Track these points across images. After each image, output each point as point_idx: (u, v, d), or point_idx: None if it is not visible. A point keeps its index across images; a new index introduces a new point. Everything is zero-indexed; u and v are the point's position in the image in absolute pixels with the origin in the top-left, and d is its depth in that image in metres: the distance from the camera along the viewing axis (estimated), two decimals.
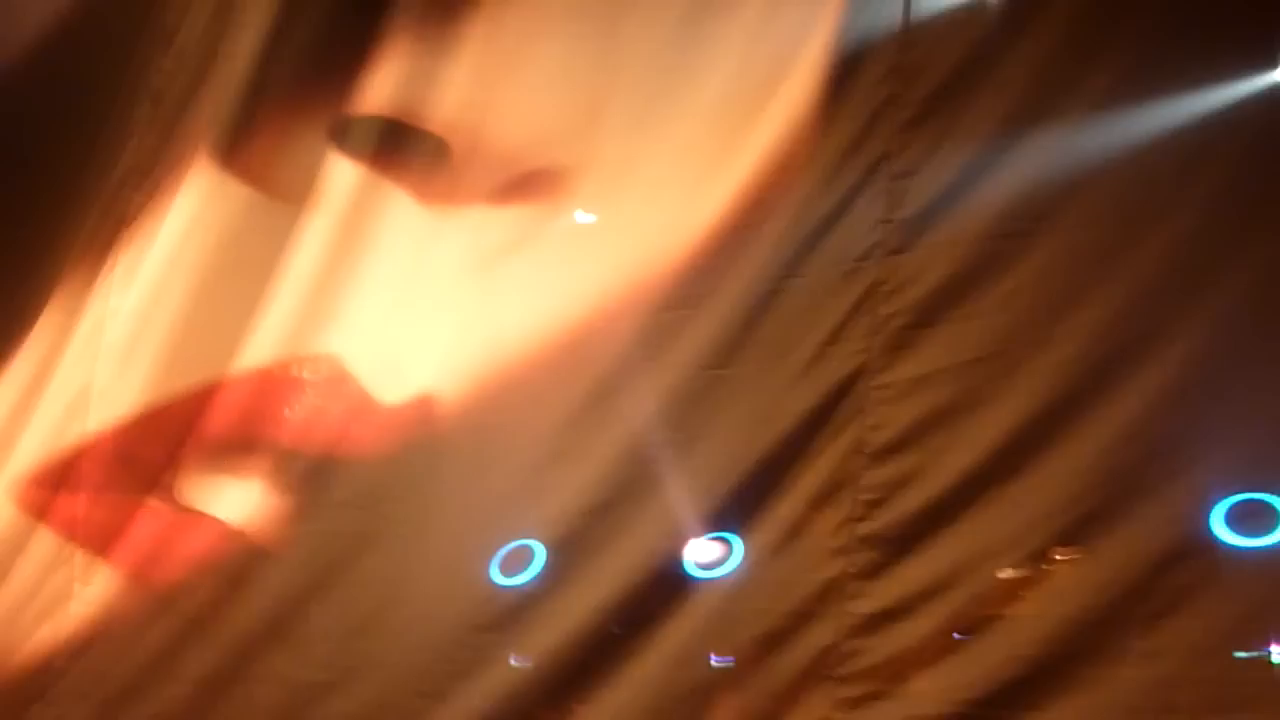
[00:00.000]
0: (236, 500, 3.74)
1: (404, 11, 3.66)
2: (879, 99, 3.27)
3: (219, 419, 3.74)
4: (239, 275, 3.85)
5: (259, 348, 3.75)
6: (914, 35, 3.23)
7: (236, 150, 3.85)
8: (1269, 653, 2.90)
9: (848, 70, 3.31)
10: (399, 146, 3.72)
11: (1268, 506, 2.92)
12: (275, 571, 3.64)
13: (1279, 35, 3.06)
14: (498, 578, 3.60)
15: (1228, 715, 2.85)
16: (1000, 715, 2.94)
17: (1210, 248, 2.96)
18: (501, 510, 3.58)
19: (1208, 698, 2.84)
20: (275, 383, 3.71)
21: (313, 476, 3.69)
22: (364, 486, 3.65)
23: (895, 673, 3.06)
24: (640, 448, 3.43)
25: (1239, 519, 2.95)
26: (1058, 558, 2.99)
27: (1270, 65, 3.04)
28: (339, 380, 3.69)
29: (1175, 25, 3.06)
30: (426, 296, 3.71)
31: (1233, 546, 2.92)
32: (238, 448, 3.73)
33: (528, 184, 3.65)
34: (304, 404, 3.72)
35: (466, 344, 3.63)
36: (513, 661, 3.52)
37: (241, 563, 3.67)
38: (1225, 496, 2.91)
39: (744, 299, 3.36)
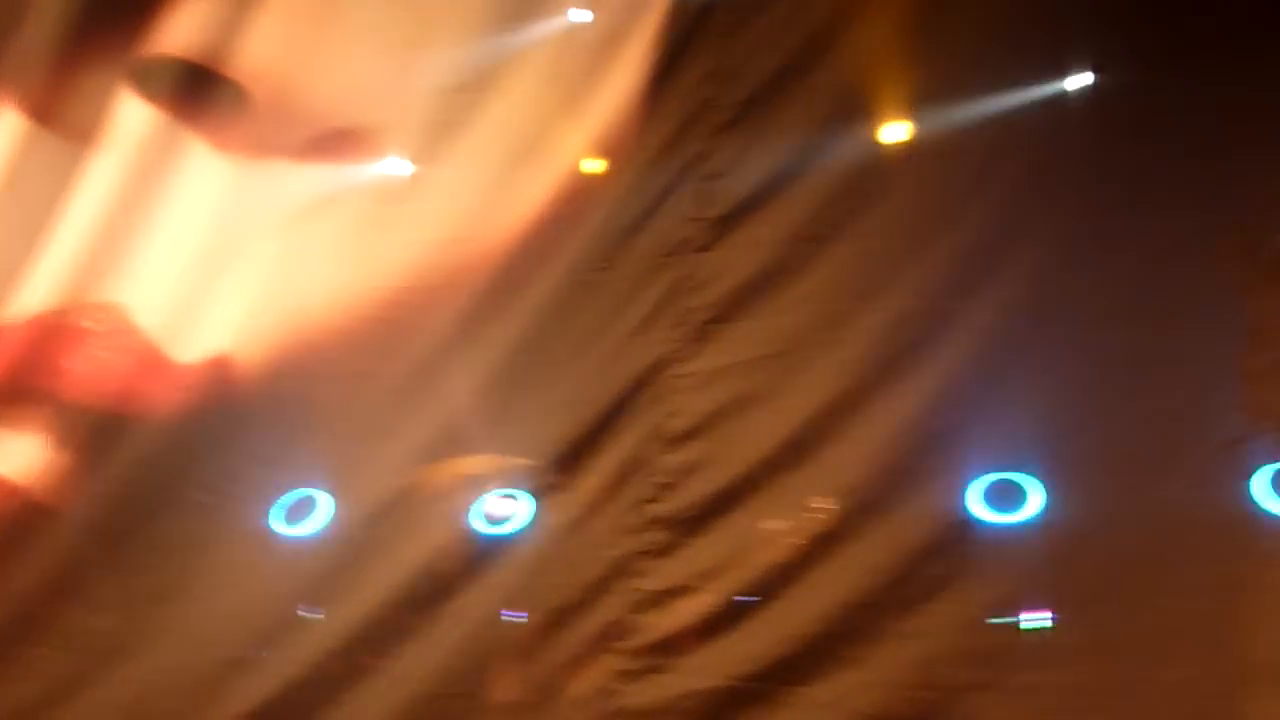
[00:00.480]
0: (13, 454, 3.50)
1: None
2: (697, 101, 3.34)
3: None
4: (14, 212, 3.56)
5: (34, 292, 3.47)
6: (732, 42, 3.29)
7: (21, 83, 3.53)
8: (1018, 619, 3.18)
9: (669, 65, 3.35)
10: (197, 92, 3.50)
11: (1018, 485, 3.22)
12: (62, 530, 3.43)
13: (1066, 48, 3.31)
14: (282, 528, 3.55)
15: (982, 680, 3.11)
16: (771, 689, 3.12)
17: (988, 254, 3.19)
18: (299, 474, 3.51)
19: (965, 668, 3.10)
20: (53, 331, 3.45)
21: (99, 433, 3.47)
22: (156, 447, 3.46)
23: (675, 648, 3.20)
24: (450, 422, 3.44)
25: (994, 497, 3.24)
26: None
27: (1059, 75, 3.28)
28: (125, 332, 3.47)
29: (972, 40, 3.24)
30: (225, 251, 3.52)
31: (987, 523, 3.18)
32: (9, 398, 3.45)
33: (337, 141, 3.53)
34: (86, 355, 3.46)
35: (267, 306, 3.50)
36: (308, 616, 3.50)
37: (25, 519, 3.43)
38: (981, 476, 3.17)
39: (559, 286, 3.38)
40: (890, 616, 3.12)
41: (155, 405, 3.47)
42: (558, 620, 3.28)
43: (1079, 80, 3.25)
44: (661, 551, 3.23)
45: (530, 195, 3.38)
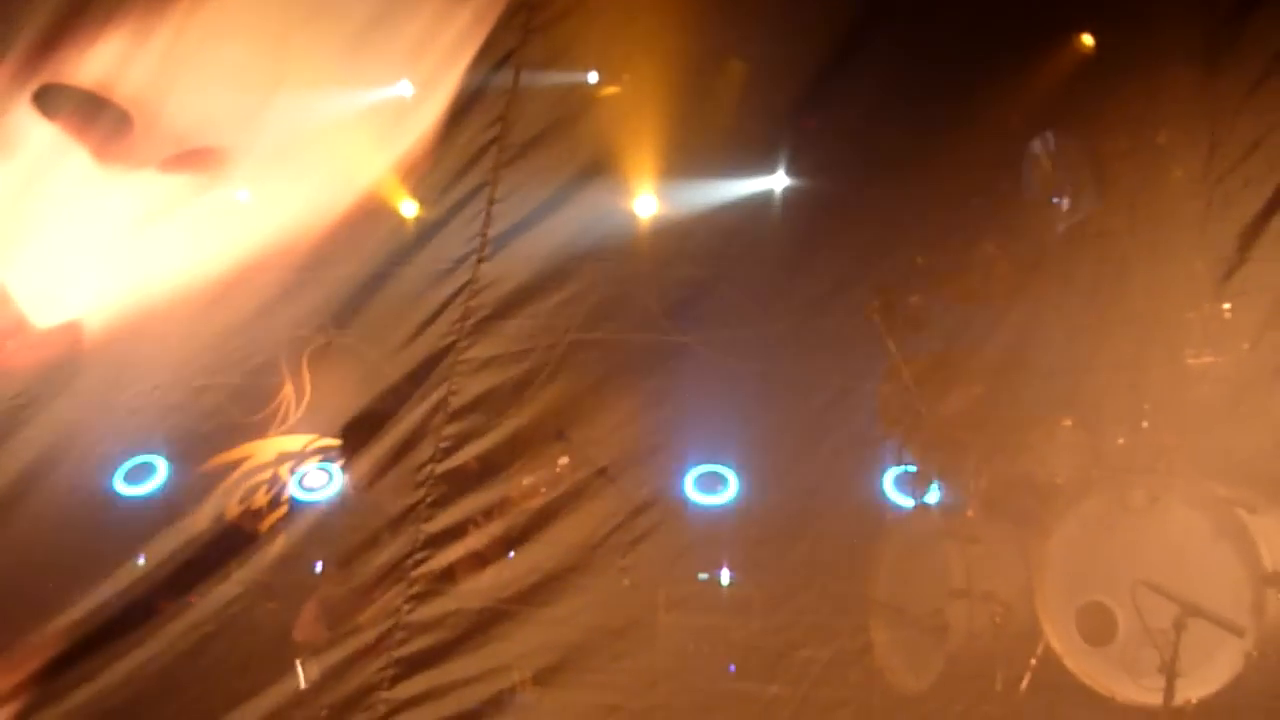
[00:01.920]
0: None
1: (131, 3, 3.94)
2: (486, 139, 3.94)
3: None
4: None
5: None
6: (518, 96, 3.93)
7: None
8: (720, 575, 4.02)
9: (465, 111, 3.94)
10: (89, 114, 3.98)
11: (721, 475, 4.01)
12: None
13: (779, 146, 4.15)
14: (122, 488, 4.03)
15: (684, 614, 3.90)
16: (522, 609, 3.76)
17: (701, 297, 3.99)
18: (131, 426, 3.96)
19: (672, 603, 3.89)
20: None
21: None
22: (7, 393, 3.85)
23: (452, 576, 3.79)
24: (259, 386, 4.00)
25: (701, 483, 4.02)
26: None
27: (772, 169, 4.14)
28: None
29: (700, 129, 4.05)
30: (90, 241, 3.97)
31: (697, 503, 4.02)
32: None
33: (193, 158, 4.03)
34: None
35: (118, 285, 3.94)
36: (140, 561, 3.88)
37: None
38: (694, 467, 3.99)
39: (362, 274, 3.94)
40: (618, 564, 3.83)
41: (12, 361, 3.91)
42: (357, 557, 3.80)
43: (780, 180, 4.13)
44: (442, 501, 3.79)
45: (346, 199, 3.95)
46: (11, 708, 3.67)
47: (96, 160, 3.98)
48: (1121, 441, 4.01)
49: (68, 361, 3.93)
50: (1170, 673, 3.57)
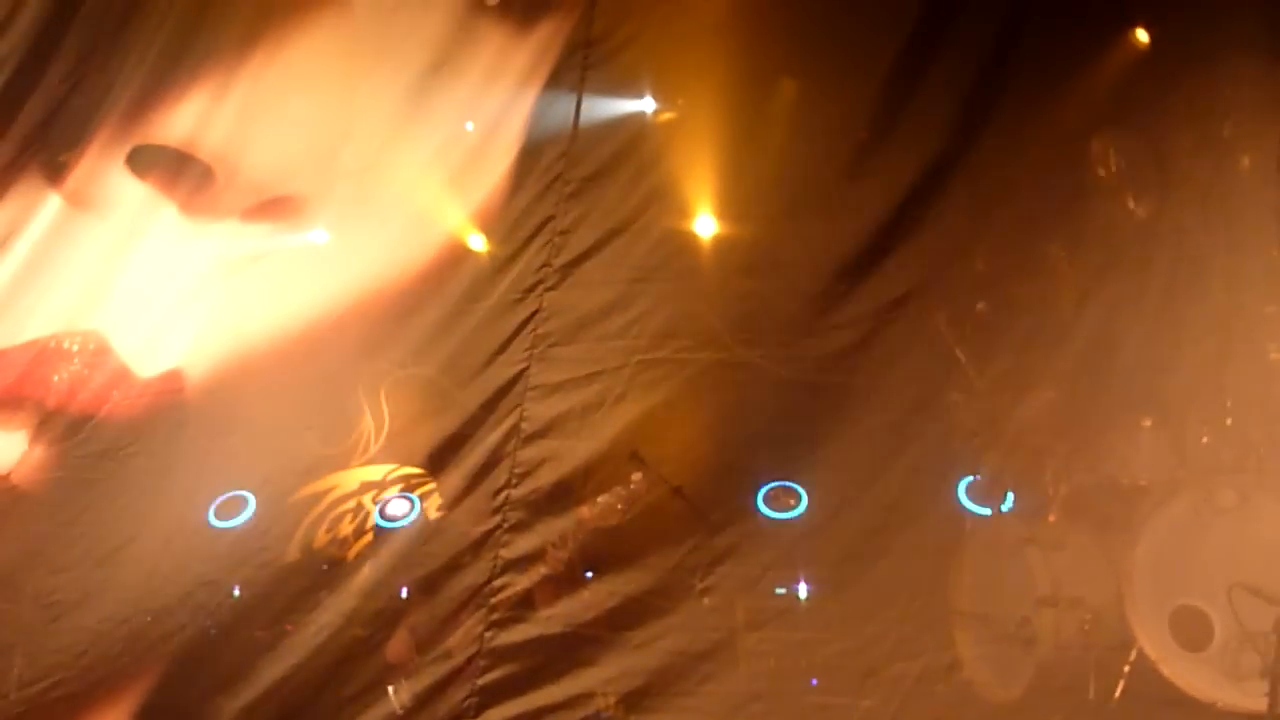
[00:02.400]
0: (3, 449, 4.04)
1: (212, 65, 4.20)
2: (551, 176, 4.03)
3: None
4: (39, 270, 4.18)
5: (39, 325, 4.11)
6: (580, 131, 4.01)
7: (63, 172, 4.23)
8: (797, 589, 3.92)
9: (531, 151, 4.06)
10: (176, 170, 4.19)
11: (793, 490, 3.94)
12: (32, 508, 3.95)
13: (830, 162, 4.08)
14: (215, 522, 4.07)
15: (765, 631, 3.83)
16: (602, 634, 3.76)
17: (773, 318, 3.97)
18: (228, 467, 4.05)
19: (752, 621, 3.82)
20: (47, 353, 4.08)
21: (71, 432, 4.02)
22: (115, 442, 4.01)
23: (531, 602, 3.79)
24: (340, 419, 4.08)
25: (773, 499, 3.96)
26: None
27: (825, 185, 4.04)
28: (101, 353, 4.07)
29: (755, 147, 4.05)
30: (183, 291, 4.14)
31: (770, 517, 3.94)
32: (7, 405, 4.04)
33: (272, 207, 4.17)
34: (69, 371, 4.07)
35: (213, 333, 4.10)
36: (236, 592, 3.98)
37: (3, 502, 3.97)
38: (766, 484, 3.93)
39: (438, 311, 4.02)
40: (693, 576, 3.80)
41: (119, 410, 4.06)
42: (438, 584, 3.84)
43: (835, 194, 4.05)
44: (519, 527, 3.82)
45: (420, 251, 4.06)
46: None
47: (184, 214, 4.16)
48: (1206, 440, 3.87)
49: (174, 409, 4.08)
50: (1274, 677, 3.41)
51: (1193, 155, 3.96)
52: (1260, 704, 3.40)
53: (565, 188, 4.01)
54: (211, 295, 4.17)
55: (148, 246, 4.18)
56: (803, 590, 3.93)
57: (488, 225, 4.11)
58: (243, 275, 4.18)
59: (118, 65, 4.26)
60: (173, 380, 4.10)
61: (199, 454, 4.05)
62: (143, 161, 4.22)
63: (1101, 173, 4.14)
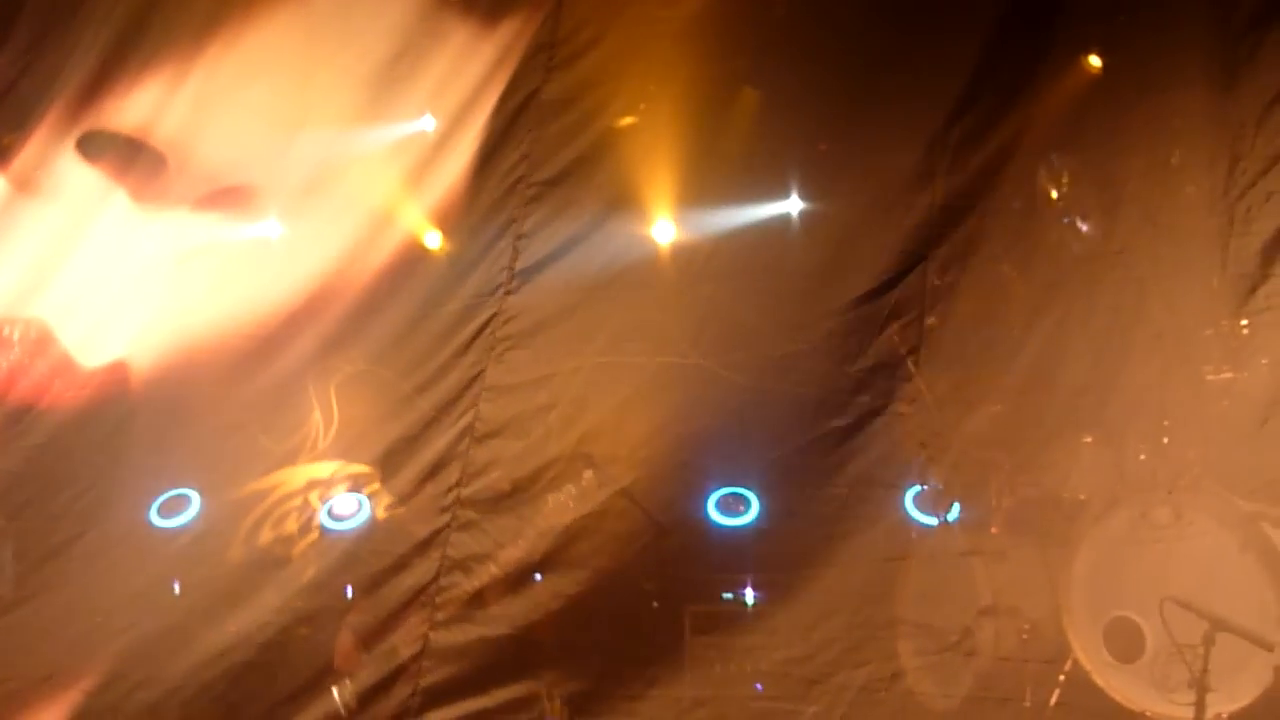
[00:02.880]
0: None
1: (168, 53, 4.12)
2: (513, 179, 4.04)
3: None
4: None
5: None
6: (543, 133, 4.03)
7: (7, 155, 4.14)
8: (744, 594, 4.02)
9: (492, 150, 4.05)
10: (128, 157, 4.12)
11: (743, 497, 4.02)
12: None
13: (793, 170, 4.19)
14: (157, 520, 4.04)
15: (711, 636, 3.91)
16: (548, 636, 3.81)
17: (725, 327, 4.01)
18: (172, 462, 4.04)
19: (699, 625, 3.91)
20: None
21: (11, 422, 3.96)
22: (57, 434, 3.96)
23: (478, 602, 3.83)
24: (289, 414, 4.06)
25: (723, 505, 4.03)
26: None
27: (785, 195, 4.16)
28: (44, 341, 4.01)
29: (716, 156, 4.10)
30: (130, 280, 4.08)
31: (720, 525, 4.01)
32: None
33: (225, 196, 4.13)
34: (9, 360, 4.00)
35: (159, 323, 4.04)
36: (177, 590, 3.96)
37: None
38: (716, 489, 4.00)
39: (392, 310, 4.03)
40: (644, 579, 3.91)
41: (61, 400, 4.00)
42: (384, 582, 3.85)
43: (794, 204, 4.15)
44: (468, 526, 3.86)
45: (375, 247, 4.04)
46: None
47: (134, 201, 4.10)
48: (1144, 458, 3.99)
49: (117, 401, 4.03)
50: (1200, 687, 3.53)
51: (1141, 180, 4.06)
52: (1188, 713, 3.53)
53: (527, 191, 4.03)
54: (159, 285, 4.12)
55: (95, 234, 4.11)
56: (749, 596, 4.02)
57: (446, 225, 4.11)
58: (192, 266, 4.13)
59: (69, 49, 4.17)
60: (117, 371, 4.05)
61: (143, 449, 4.01)
62: (94, 147, 4.15)
63: (1053, 194, 4.25)
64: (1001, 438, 4.08)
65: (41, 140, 4.14)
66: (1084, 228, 4.22)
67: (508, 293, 3.98)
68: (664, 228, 4.09)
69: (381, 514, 3.97)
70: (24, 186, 4.13)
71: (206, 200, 4.13)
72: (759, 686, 3.87)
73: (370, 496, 3.99)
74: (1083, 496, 4.05)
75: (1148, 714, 3.69)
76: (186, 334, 4.07)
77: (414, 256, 4.11)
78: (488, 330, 3.96)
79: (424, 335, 4.02)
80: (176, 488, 4.04)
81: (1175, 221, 3.97)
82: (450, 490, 3.88)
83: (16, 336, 4.05)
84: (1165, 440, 3.96)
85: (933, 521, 4.12)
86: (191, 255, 4.13)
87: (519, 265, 3.99)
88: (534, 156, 4.03)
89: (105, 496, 3.98)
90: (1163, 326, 3.96)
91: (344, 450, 4.06)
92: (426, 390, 3.96)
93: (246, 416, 4.01)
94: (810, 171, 4.17)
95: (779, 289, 4.05)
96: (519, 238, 4.00)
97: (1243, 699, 3.59)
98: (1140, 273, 4.02)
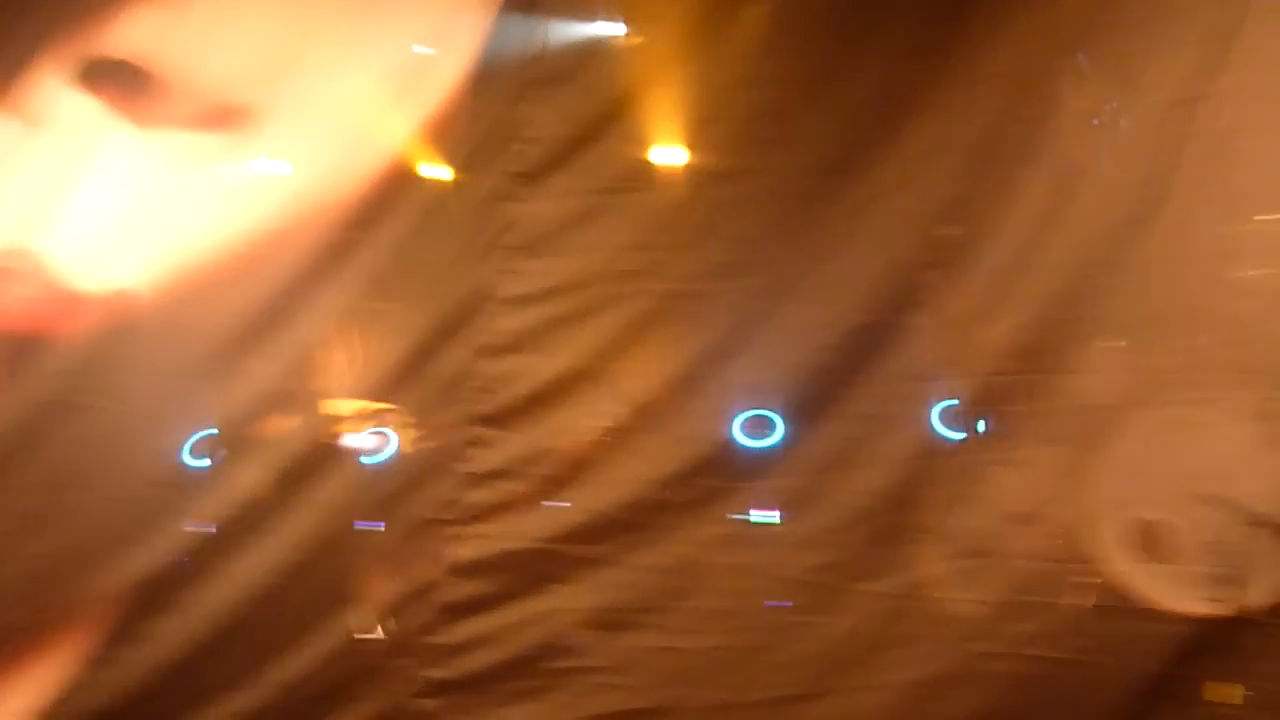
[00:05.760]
0: None
1: None
2: (518, 81, 4.15)
3: None
4: None
5: None
6: (544, 50, 4.13)
7: (9, 87, 4.24)
8: (771, 517, 4.07)
9: (491, 65, 4.14)
10: (126, 83, 4.22)
11: (768, 419, 4.10)
12: None
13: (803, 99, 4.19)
14: (189, 459, 4.16)
15: (737, 554, 4.00)
16: (569, 549, 3.93)
17: (743, 249, 4.09)
18: (189, 392, 4.15)
19: (725, 544, 4.00)
20: None
21: (13, 356, 4.07)
22: (63, 364, 4.07)
23: (495, 518, 3.95)
24: (310, 345, 4.16)
25: (749, 427, 4.12)
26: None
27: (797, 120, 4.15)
28: (44, 272, 4.11)
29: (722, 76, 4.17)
30: (129, 205, 4.19)
31: (746, 447, 4.08)
32: None
33: (224, 116, 4.23)
34: (8, 291, 4.11)
35: (161, 247, 4.14)
36: (188, 527, 4.07)
37: None
38: (741, 411, 4.06)
39: (401, 233, 4.13)
40: (668, 500, 3.97)
41: (64, 331, 4.11)
42: (399, 501, 3.99)
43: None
44: (483, 443, 3.98)
45: (382, 152, 4.14)
46: (76, 666, 3.90)
47: (138, 127, 4.23)
48: (1172, 360, 4.09)
49: (124, 330, 4.14)
50: (1236, 583, 3.67)
51: (1171, 84, 4.15)
52: (1223, 610, 3.63)
53: (531, 93, 4.12)
54: (159, 212, 4.23)
55: (97, 162, 4.23)
56: (776, 517, 4.08)
57: (447, 137, 4.19)
58: (189, 188, 4.24)
59: None
60: (121, 300, 4.16)
61: (154, 375, 4.12)
62: (95, 75, 4.27)
63: (1070, 97, 4.34)
64: (1027, 348, 4.13)
65: (43, 72, 4.28)
66: (1103, 130, 4.32)
67: (516, 200, 4.07)
68: (673, 150, 4.16)
69: (409, 448, 4.08)
70: (23, 117, 4.27)
71: (206, 119, 4.24)
72: (789, 604, 3.96)
73: (397, 431, 4.12)
74: (1112, 401, 4.14)
75: (1187, 612, 3.77)
76: (191, 261, 4.18)
77: (412, 173, 4.20)
78: (495, 240, 4.06)
79: (427, 252, 4.12)
80: (202, 429, 4.16)
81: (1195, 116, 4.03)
82: (467, 406, 3.99)
83: (17, 268, 4.18)
84: (1196, 341, 4.05)
85: (960, 436, 4.23)
86: (191, 179, 4.24)
87: (524, 170, 4.08)
88: (537, 66, 4.13)
89: (121, 427, 4.09)
90: (1190, 225, 4.05)
91: (369, 388, 4.17)
92: (436, 305, 4.06)
93: (267, 352, 4.11)
94: (818, 88, 4.21)
95: (790, 208, 4.13)
96: (525, 142, 4.09)
97: (1276, 594, 3.65)
98: (1164, 171, 4.10)
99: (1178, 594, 3.83)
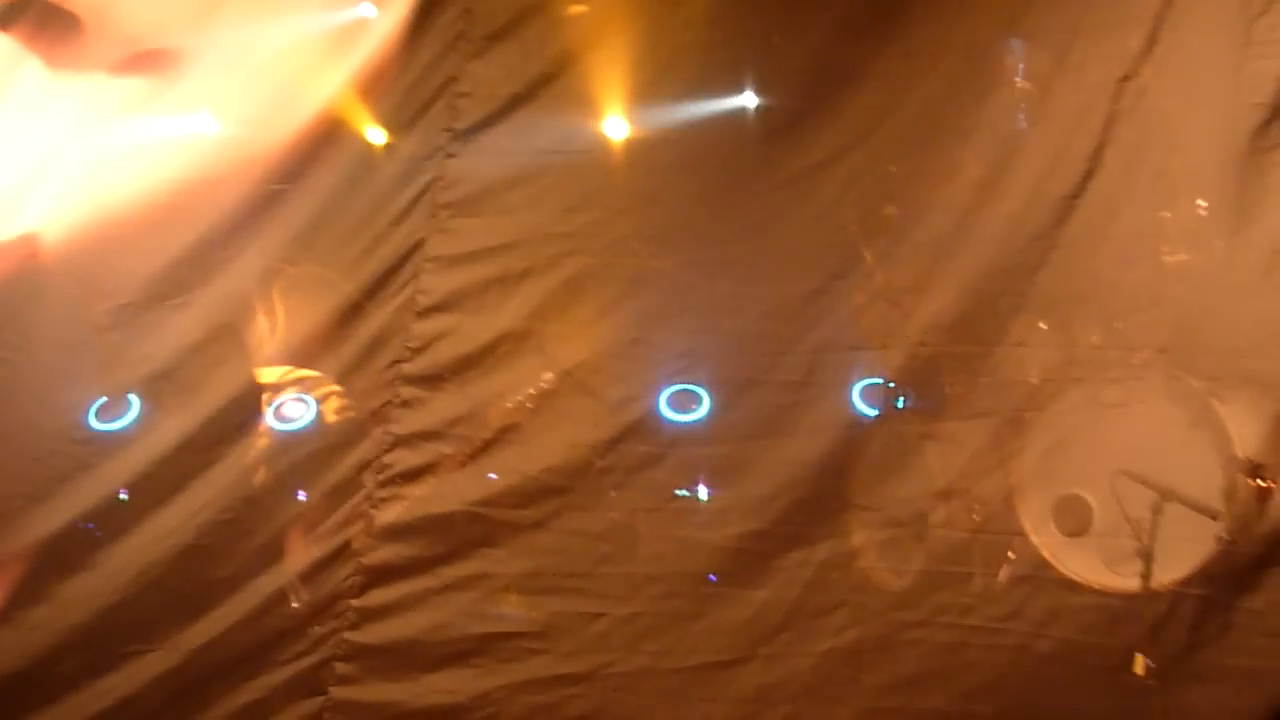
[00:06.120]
0: None
1: None
2: (453, 34, 4.07)
3: None
4: None
5: None
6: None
7: None
8: (698, 491, 4.09)
9: (426, 11, 4.06)
10: (41, 21, 4.05)
11: (696, 394, 4.10)
12: None
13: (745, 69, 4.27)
14: (94, 423, 4.01)
15: (664, 528, 4.00)
16: (497, 513, 3.89)
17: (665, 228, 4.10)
18: (100, 346, 4.01)
19: (655, 521, 3.96)
20: None
21: None
22: None
23: (421, 479, 3.90)
24: (232, 300, 4.07)
25: (675, 402, 4.11)
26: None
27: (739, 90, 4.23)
28: None
29: (669, 47, 4.18)
30: (44, 149, 4.04)
31: (673, 421, 4.08)
32: None
33: (145, 60, 4.09)
34: None
35: (74, 193, 4.00)
36: (122, 496, 3.95)
37: None
38: (667, 387, 4.06)
39: (329, 189, 4.04)
40: (596, 465, 3.96)
41: None
42: (324, 462, 3.92)
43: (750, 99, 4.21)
44: (411, 404, 3.92)
45: (311, 104, 4.03)
46: None
47: (48, 67, 4.06)
48: (1096, 340, 4.18)
49: (28, 274, 3.98)
50: (1147, 557, 3.77)
51: (1102, 64, 4.21)
52: (1133, 584, 3.72)
53: (467, 47, 4.05)
54: (75, 156, 4.07)
55: (8, 102, 4.05)
56: (703, 491, 4.10)
57: (379, 91, 4.10)
58: (109, 136, 4.08)
59: None
60: (28, 244, 4.00)
61: (63, 326, 3.98)
62: (9, 13, 4.08)
63: (1011, 81, 4.40)
64: (955, 326, 4.20)
65: None
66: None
67: (448, 155, 4.00)
68: (614, 121, 4.12)
69: (331, 418, 4.00)
70: None
71: (126, 64, 4.08)
72: (712, 577, 3.98)
73: (319, 399, 4.03)
74: (1035, 380, 4.23)
75: (1096, 585, 3.88)
76: (106, 207, 4.02)
77: (344, 126, 4.10)
78: (426, 196, 3.99)
79: (358, 206, 4.04)
80: (114, 392, 4.02)
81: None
82: (391, 366, 3.92)
83: None
84: (1117, 324, 4.15)
85: (884, 409, 4.29)
86: (109, 123, 4.08)
87: (460, 125, 4.01)
88: (475, 11, 4.05)
89: (27, 376, 3.95)
90: (1115, 209, 4.15)
91: (291, 354, 4.08)
92: (363, 262, 3.98)
93: (185, 304, 3.99)
94: (765, 64, 4.23)
95: (730, 185, 4.13)
96: (459, 96, 4.01)
97: (1186, 567, 3.77)
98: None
99: (1090, 568, 3.95)
